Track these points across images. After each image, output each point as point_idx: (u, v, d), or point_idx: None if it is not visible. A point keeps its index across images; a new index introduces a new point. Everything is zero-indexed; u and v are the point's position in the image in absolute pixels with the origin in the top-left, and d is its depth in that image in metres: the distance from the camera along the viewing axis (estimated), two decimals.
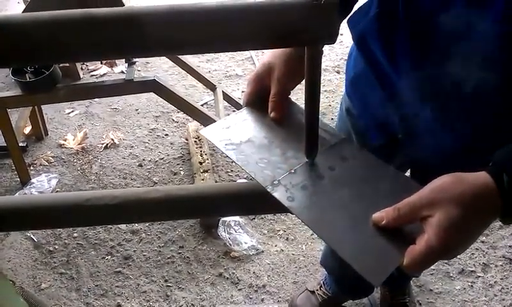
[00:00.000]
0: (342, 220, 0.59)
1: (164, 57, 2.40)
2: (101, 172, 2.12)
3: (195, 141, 2.09)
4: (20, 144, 2.05)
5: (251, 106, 0.76)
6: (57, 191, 2.02)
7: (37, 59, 0.47)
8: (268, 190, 0.62)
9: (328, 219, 0.59)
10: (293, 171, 0.65)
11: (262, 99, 0.74)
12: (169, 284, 1.69)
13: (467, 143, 0.76)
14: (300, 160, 0.67)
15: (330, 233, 0.58)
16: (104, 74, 2.76)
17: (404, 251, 0.54)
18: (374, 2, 0.81)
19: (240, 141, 0.70)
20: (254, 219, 1.91)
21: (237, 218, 1.86)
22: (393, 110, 0.84)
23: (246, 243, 1.79)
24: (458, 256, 1.73)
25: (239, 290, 1.67)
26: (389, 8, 0.75)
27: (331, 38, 0.51)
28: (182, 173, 2.10)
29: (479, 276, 1.68)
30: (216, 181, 2.02)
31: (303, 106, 0.66)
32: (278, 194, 0.62)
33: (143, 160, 2.18)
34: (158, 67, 2.81)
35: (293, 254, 1.78)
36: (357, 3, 0.85)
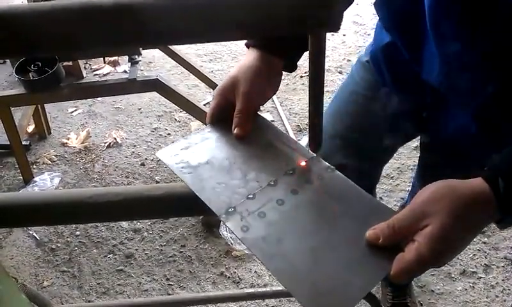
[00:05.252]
0: (300, 252, 0.53)
1: (167, 57, 2.41)
2: (103, 171, 2.13)
3: None
4: (23, 143, 2.06)
5: (215, 122, 0.70)
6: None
7: (36, 50, 0.47)
8: (222, 220, 0.56)
9: (283, 252, 0.53)
10: (251, 196, 0.59)
11: (228, 115, 0.69)
12: (170, 283, 1.70)
13: (489, 129, 0.74)
14: (261, 183, 0.61)
15: (285, 269, 0.52)
16: (107, 73, 2.76)
17: (368, 285, 0.51)
18: None
19: (198, 163, 0.64)
20: None
21: None
22: (424, 85, 0.81)
23: None
24: (459, 257, 1.73)
25: (241, 289, 1.67)
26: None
27: (335, 26, 0.51)
28: None
29: (481, 277, 1.68)
30: None
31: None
32: (232, 223, 0.56)
33: (146, 159, 2.18)
34: (161, 66, 2.82)
35: None
36: None
